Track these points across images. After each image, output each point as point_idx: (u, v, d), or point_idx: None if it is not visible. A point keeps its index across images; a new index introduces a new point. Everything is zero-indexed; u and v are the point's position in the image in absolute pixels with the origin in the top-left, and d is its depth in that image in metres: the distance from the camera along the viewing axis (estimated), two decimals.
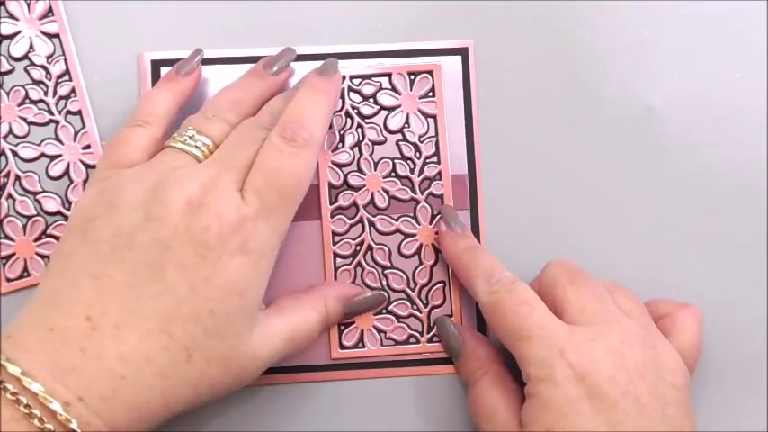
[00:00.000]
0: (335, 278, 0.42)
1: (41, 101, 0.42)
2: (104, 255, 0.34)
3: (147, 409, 0.33)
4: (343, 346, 0.42)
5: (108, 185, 0.36)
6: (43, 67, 0.42)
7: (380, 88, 0.43)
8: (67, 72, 0.42)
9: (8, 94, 0.42)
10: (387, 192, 0.42)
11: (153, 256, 0.34)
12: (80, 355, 0.32)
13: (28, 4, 0.42)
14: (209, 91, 0.42)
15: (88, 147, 0.42)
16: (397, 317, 0.42)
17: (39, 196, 0.41)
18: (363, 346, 0.42)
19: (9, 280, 0.41)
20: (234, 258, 0.34)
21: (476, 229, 0.43)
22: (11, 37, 0.42)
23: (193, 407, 0.35)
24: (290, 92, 0.41)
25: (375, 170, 0.42)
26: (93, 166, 0.41)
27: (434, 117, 0.43)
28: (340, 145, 0.42)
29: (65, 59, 0.42)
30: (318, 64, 0.42)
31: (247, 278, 0.35)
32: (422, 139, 0.43)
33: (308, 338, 0.39)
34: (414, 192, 0.42)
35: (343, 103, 0.43)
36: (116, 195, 0.35)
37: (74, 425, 0.31)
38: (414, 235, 0.42)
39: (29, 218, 0.41)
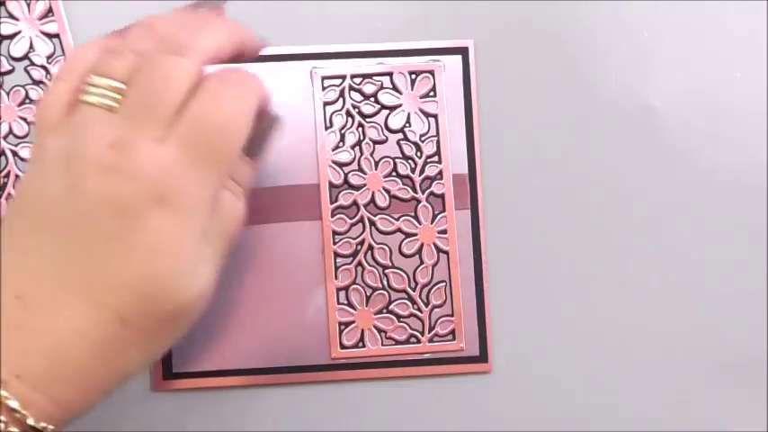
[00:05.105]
0: (336, 278, 0.42)
1: None
2: (32, 229, 0.33)
3: (93, 380, 0.33)
4: (343, 346, 0.42)
5: (34, 155, 0.34)
6: (43, 67, 0.42)
7: (381, 87, 0.43)
8: None
9: (8, 94, 0.42)
10: (387, 191, 0.42)
11: (75, 227, 0.32)
12: (14, 333, 0.31)
13: (28, 4, 0.42)
14: None
15: None
16: (398, 317, 0.42)
17: None
18: (363, 346, 0.42)
19: None
20: (155, 217, 0.32)
21: (476, 229, 0.43)
22: (11, 37, 0.42)
23: (150, 364, 0.35)
24: (197, 6, 0.37)
25: (376, 169, 0.42)
26: None
27: (435, 116, 0.43)
28: (341, 144, 0.42)
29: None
30: (318, 63, 0.43)
31: (174, 236, 0.32)
32: (423, 138, 0.43)
33: (239, 225, 0.36)
34: (414, 191, 0.42)
35: (344, 101, 0.43)
36: (39, 166, 0.33)
37: (14, 404, 0.31)
38: (414, 234, 0.42)
39: None
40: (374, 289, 0.42)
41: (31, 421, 0.31)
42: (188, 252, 0.32)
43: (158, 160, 0.32)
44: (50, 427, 0.32)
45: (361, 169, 0.42)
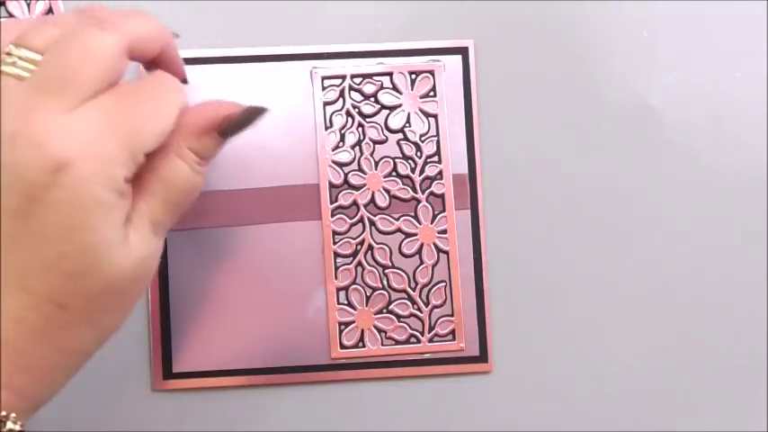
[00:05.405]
0: (336, 278, 0.42)
1: None
2: None
3: (47, 366, 0.31)
4: (343, 346, 0.42)
5: None
6: None
7: (381, 87, 0.43)
8: None
9: None
10: (387, 191, 0.42)
11: None
12: None
13: (28, 4, 0.42)
14: (208, 92, 0.42)
15: None
16: (398, 316, 0.42)
17: None
18: (363, 346, 0.42)
19: None
20: (62, 189, 0.30)
21: (476, 229, 0.43)
22: None
23: (107, 338, 0.33)
24: None
25: (376, 169, 0.42)
26: None
27: (435, 116, 0.43)
28: (341, 144, 0.42)
29: None
30: (318, 63, 0.43)
31: (84, 208, 0.30)
32: (423, 138, 0.43)
33: (189, 195, 0.34)
34: (414, 191, 0.42)
35: (344, 101, 0.43)
36: None
37: None
38: (414, 234, 0.42)
39: None
40: (374, 289, 0.42)
41: None
42: (104, 223, 0.30)
43: (60, 129, 0.30)
44: (12, 415, 0.31)
45: (361, 169, 0.42)
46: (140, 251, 0.32)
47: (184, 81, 0.37)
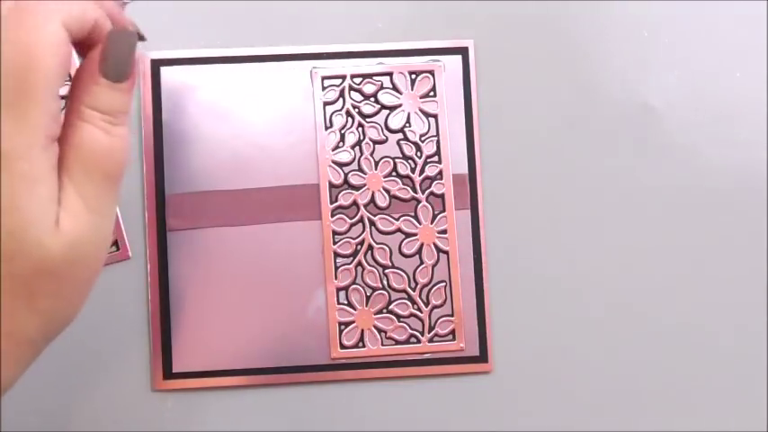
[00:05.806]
0: (336, 278, 0.42)
1: None
2: None
3: None
4: (343, 346, 0.42)
5: None
6: None
7: (381, 87, 0.43)
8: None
9: None
10: (387, 191, 0.42)
11: None
12: None
13: None
14: (208, 92, 0.42)
15: None
16: (398, 316, 0.42)
17: None
18: (363, 346, 0.42)
19: None
20: None
21: (476, 229, 0.43)
22: None
23: (54, 329, 0.32)
24: None
25: (376, 169, 0.42)
26: None
27: (435, 116, 0.43)
28: (341, 144, 0.42)
29: None
30: (318, 63, 0.43)
31: (7, 190, 0.29)
32: (423, 138, 0.43)
33: (110, 159, 0.32)
34: (414, 191, 0.42)
35: (344, 101, 0.43)
36: None
37: None
38: (414, 234, 0.42)
39: None
40: (374, 289, 0.42)
41: None
42: (30, 201, 0.30)
43: None
44: None
45: (361, 169, 0.42)
46: (74, 231, 0.31)
47: (141, 37, 0.34)
